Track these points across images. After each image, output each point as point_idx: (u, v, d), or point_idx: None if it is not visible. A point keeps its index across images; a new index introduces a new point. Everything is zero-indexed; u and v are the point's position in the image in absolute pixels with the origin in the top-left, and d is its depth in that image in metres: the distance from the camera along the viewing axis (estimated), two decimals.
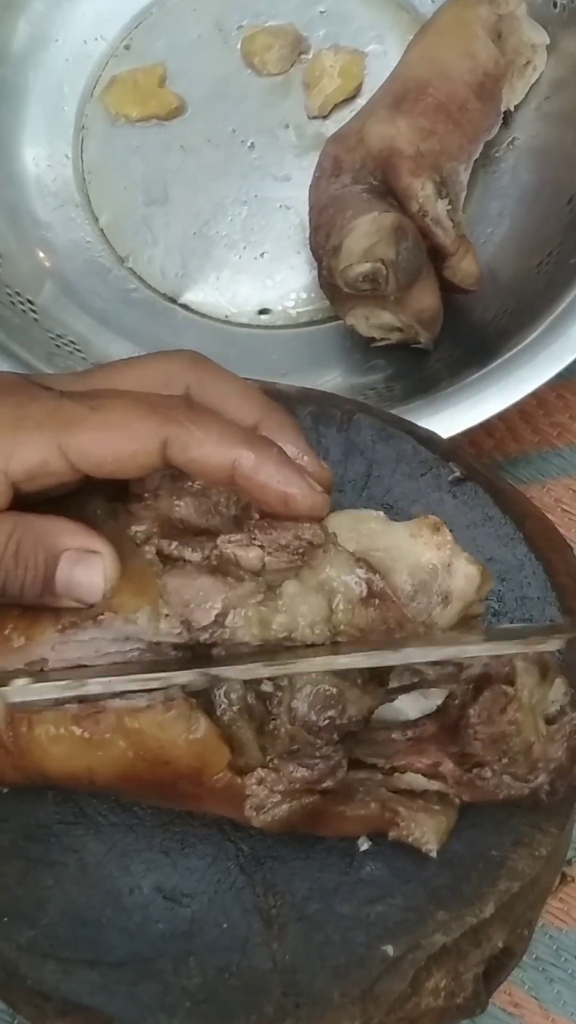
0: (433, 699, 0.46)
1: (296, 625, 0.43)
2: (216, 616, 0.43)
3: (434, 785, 0.45)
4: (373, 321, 0.71)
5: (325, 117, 0.82)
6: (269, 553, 0.44)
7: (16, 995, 0.46)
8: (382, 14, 0.84)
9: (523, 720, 0.44)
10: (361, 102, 0.79)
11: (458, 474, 0.55)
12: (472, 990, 0.47)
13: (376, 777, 0.46)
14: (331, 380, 0.74)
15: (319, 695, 0.43)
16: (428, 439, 0.56)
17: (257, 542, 0.44)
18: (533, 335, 0.68)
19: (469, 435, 0.67)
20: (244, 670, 0.42)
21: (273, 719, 0.43)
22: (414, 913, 0.46)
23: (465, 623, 0.47)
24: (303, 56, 0.84)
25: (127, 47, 0.85)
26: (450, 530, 0.46)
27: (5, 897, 0.47)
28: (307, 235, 0.73)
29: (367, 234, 0.67)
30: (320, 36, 0.84)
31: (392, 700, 0.46)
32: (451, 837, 0.46)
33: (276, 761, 0.43)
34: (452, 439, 0.64)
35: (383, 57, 0.82)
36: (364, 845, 0.47)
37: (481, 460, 0.69)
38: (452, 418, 0.66)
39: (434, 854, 0.45)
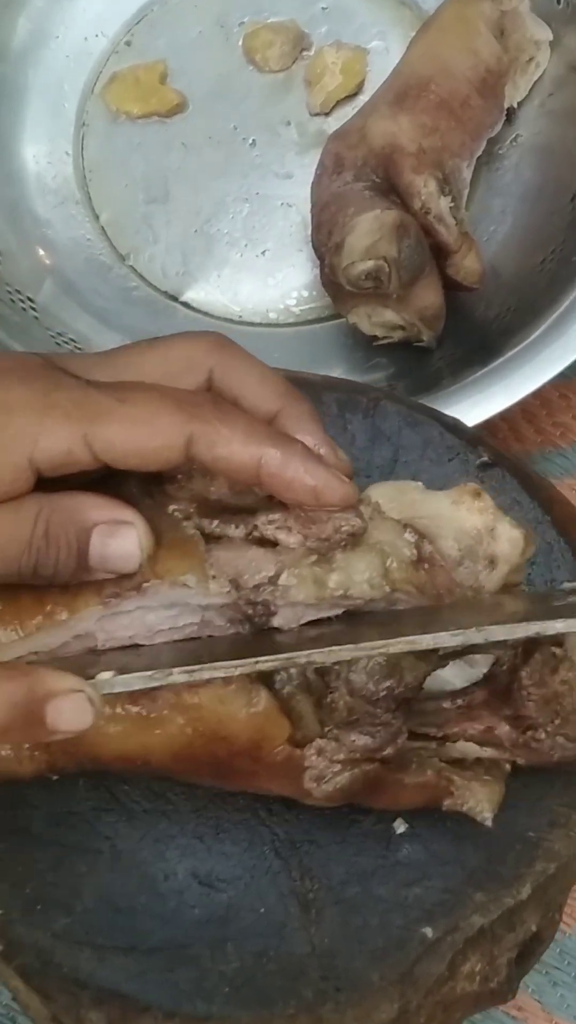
0: (479, 667, 0.47)
1: (352, 582, 0.43)
2: (268, 577, 0.43)
3: (487, 752, 0.46)
4: (375, 319, 0.71)
5: (327, 114, 0.82)
6: (312, 543, 0.44)
7: (51, 983, 0.46)
8: (384, 11, 0.84)
9: (574, 680, 0.45)
10: (363, 99, 0.79)
11: (486, 459, 0.55)
12: (505, 975, 0.47)
13: (430, 746, 0.46)
14: None
15: (376, 666, 0.43)
16: (454, 426, 0.57)
17: (296, 531, 0.44)
18: (536, 333, 0.68)
19: None
20: (330, 653, 0.41)
21: (331, 691, 0.44)
22: (452, 895, 0.46)
23: (506, 590, 0.47)
24: (305, 53, 0.84)
25: (128, 44, 0.85)
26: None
27: (39, 885, 0.47)
28: (309, 233, 0.73)
29: (369, 232, 0.67)
30: (322, 33, 0.84)
31: (444, 665, 0.46)
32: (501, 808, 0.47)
33: (336, 731, 0.44)
34: None
35: (385, 54, 0.82)
36: (400, 828, 0.48)
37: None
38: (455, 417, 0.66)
39: (489, 823, 0.46)
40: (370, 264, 0.67)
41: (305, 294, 0.78)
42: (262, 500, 0.46)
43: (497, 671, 0.46)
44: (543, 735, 0.45)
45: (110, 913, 0.46)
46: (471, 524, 0.46)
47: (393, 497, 0.47)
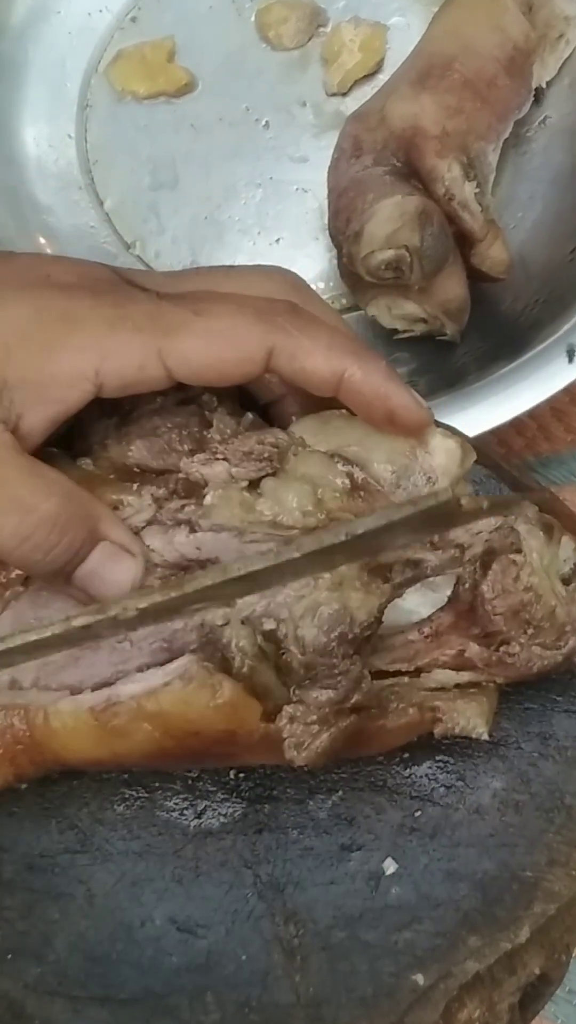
0: (442, 591, 0.47)
1: (282, 508, 0.44)
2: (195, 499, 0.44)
3: (464, 676, 0.46)
4: (396, 312, 0.72)
5: (345, 94, 0.82)
6: (235, 465, 0.45)
7: None
8: None
9: (539, 584, 0.45)
10: (383, 78, 0.80)
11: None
12: (507, 1020, 0.47)
13: (404, 682, 0.46)
14: None
15: (322, 616, 0.43)
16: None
17: (220, 456, 0.45)
18: (566, 326, 0.68)
19: (498, 434, 0.67)
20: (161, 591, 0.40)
21: (282, 653, 0.44)
22: (445, 939, 0.46)
23: None
24: (321, 29, 0.84)
25: (134, 19, 0.86)
26: None
27: (9, 933, 0.47)
28: (325, 220, 0.73)
29: (390, 219, 0.67)
30: (339, 8, 0.84)
31: (399, 596, 0.46)
32: (498, 719, 0.47)
33: (299, 692, 0.44)
34: (479, 437, 0.64)
35: (406, 30, 0.82)
36: (390, 868, 0.48)
37: (511, 460, 0.69)
38: (480, 415, 0.66)
39: (485, 737, 0.46)
40: (391, 253, 0.67)
41: (321, 285, 0.78)
42: (184, 458, 0.46)
43: (460, 590, 0.46)
44: (517, 647, 0.46)
45: (84, 962, 0.47)
46: (402, 442, 0.46)
47: (317, 430, 0.47)
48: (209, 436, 0.46)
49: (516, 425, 0.69)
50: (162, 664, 0.44)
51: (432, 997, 0.46)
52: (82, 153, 0.83)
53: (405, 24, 0.83)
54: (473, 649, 0.46)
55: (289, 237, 0.80)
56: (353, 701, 0.44)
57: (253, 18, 0.84)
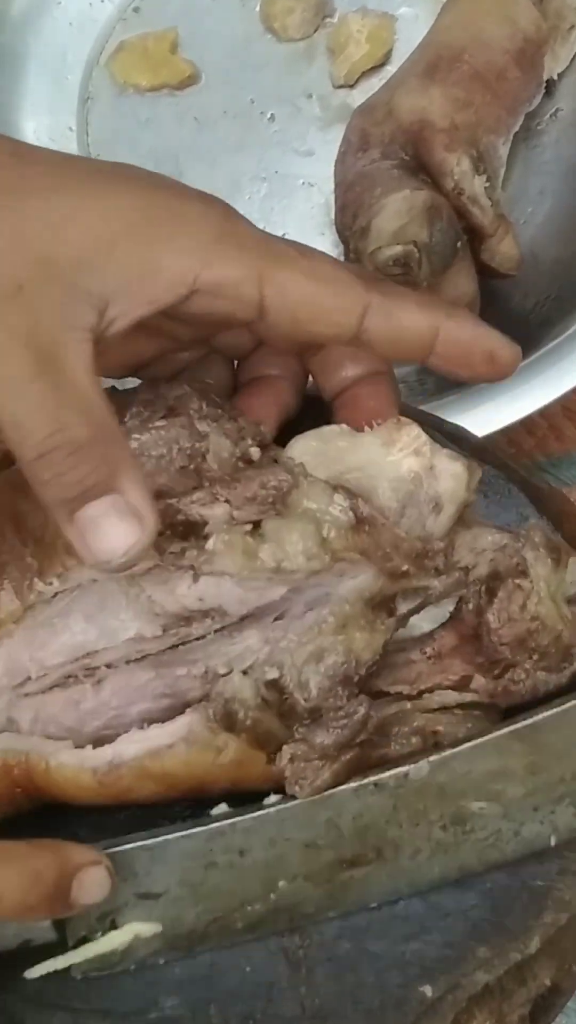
0: (444, 607, 0.47)
1: (286, 553, 0.43)
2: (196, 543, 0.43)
3: (467, 697, 0.46)
4: None
5: (352, 86, 0.82)
6: (237, 508, 0.44)
7: None
8: None
9: (547, 613, 0.45)
10: (391, 70, 0.80)
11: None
12: None
13: (406, 707, 0.46)
14: None
15: (328, 665, 0.43)
16: (456, 434, 0.56)
17: (221, 497, 0.44)
18: None
19: (508, 433, 0.67)
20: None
21: (286, 698, 0.44)
22: (453, 950, 0.46)
23: (459, 519, 0.47)
24: (328, 20, 0.84)
25: (136, 10, 0.86)
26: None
27: None
28: (332, 215, 0.73)
29: (398, 214, 0.67)
30: None
31: (405, 625, 0.46)
32: None
33: (303, 731, 0.44)
34: (489, 437, 0.64)
35: (414, 21, 0.82)
36: None
37: (521, 460, 0.69)
38: (489, 414, 0.66)
39: None
40: (398, 249, 0.67)
41: None
42: (175, 478, 0.45)
43: (463, 608, 0.46)
44: (522, 674, 0.45)
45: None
46: (406, 468, 0.46)
47: (318, 451, 0.46)
48: (206, 459, 0.45)
49: (526, 424, 0.69)
50: (164, 712, 0.44)
51: (440, 1009, 0.45)
52: (83, 147, 0.83)
53: (413, 15, 0.83)
54: (478, 681, 0.46)
55: (295, 232, 0.79)
56: (359, 740, 0.44)
57: (258, 8, 0.84)
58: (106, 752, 0.44)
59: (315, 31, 0.84)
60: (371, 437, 0.47)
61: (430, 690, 0.46)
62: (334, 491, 0.44)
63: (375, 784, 0.45)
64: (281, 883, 0.45)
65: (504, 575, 0.45)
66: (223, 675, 0.44)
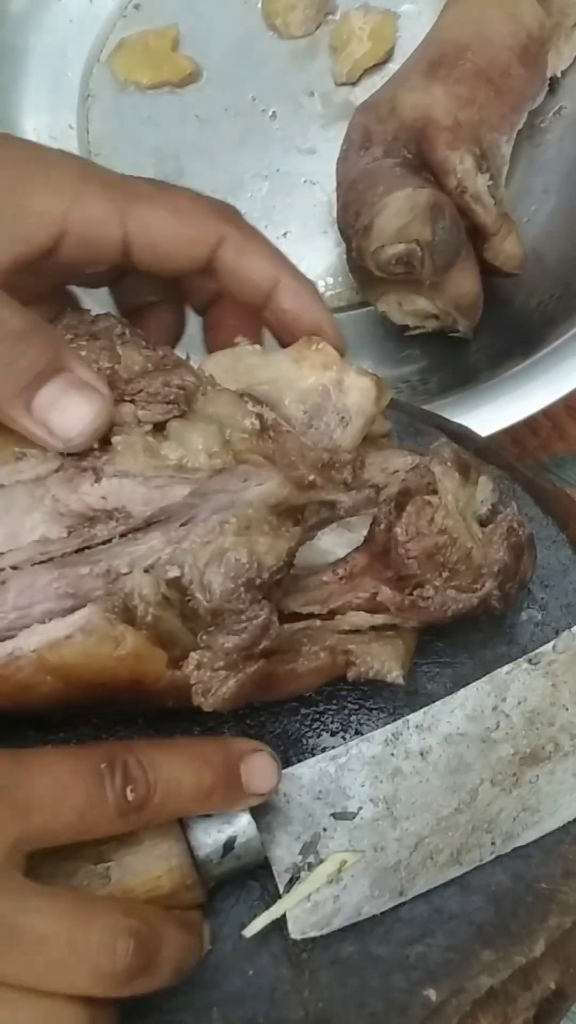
0: (358, 530, 0.47)
1: (188, 452, 0.44)
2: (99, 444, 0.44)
3: (379, 619, 0.46)
4: (407, 307, 0.72)
5: (354, 84, 0.82)
6: (142, 407, 0.45)
7: None
8: None
9: (454, 527, 0.45)
10: (393, 68, 0.80)
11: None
12: None
13: (316, 625, 0.47)
14: None
15: (228, 562, 0.43)
16: (461, 434, 0.56)
17: (127, 397, 0.45)
18: None
19: (512, 433, 0.67)
20: None
21: (189, 599, 0.44)
22: (458, 953, 0.46)
23: (372, 442, 0.48)
24: (330, 17, 0.84)
25: (137, 7, 0.86)
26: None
27: None
28: (334, 213, 0.73)
29: (400, 212, 0.67)
30: None
31: (311, 538, 0.47)
32: (413, 668, 0.47)
33: (206, 638, 0.44)
34: (493, 437, 0.64)
35: (417, 18, 0.82)
36: None
37: (525, 461, 0.69)
38: (493, 414, 0.66)
39: (401, 680, 0.46)
40: (401, 248, 0.67)
41: (330, 280, 0.78)
42: None
43: (376, 531, 0.46)
44: (431, 591, 0.46)
45: None
46: (315, 381, 0.47)
47: (229, 367, 0.47)
48: (117, 371, 0.46)
49: (530, 424, 0.69)
50: (66, 612, 0.44)
51: (445, 1013, 0.45)
52: (84, 144, 0.83)
53: (416, 12, 0.83)
54: (386, 593, 0.46)
55: (296, 231, 0.80)
56: (261, 647, 0.44)
57: (260, 5, 0.84)
58: (6, 646, 0.43)
59: (317, 28, 0.84)
60: (282, 354, 0.48)
61: (342, 610, 0.47)
62: (241, 398, 0.45)
63: (528, 661, 0.47)
64: (468, 789, 0.46)
65: (414, 492, 0.46)
66: (125, 574, 0.44)
